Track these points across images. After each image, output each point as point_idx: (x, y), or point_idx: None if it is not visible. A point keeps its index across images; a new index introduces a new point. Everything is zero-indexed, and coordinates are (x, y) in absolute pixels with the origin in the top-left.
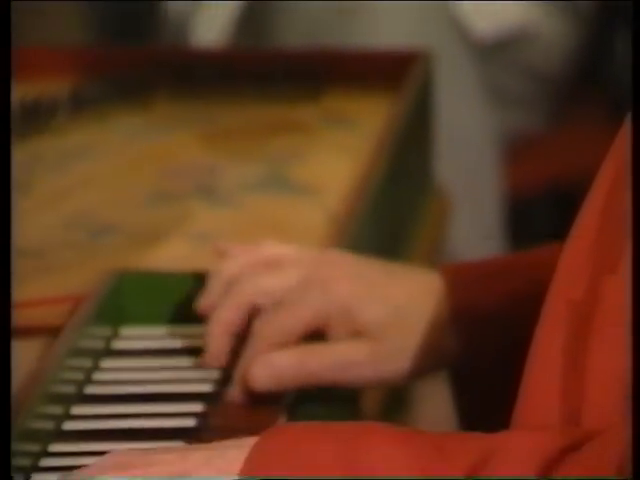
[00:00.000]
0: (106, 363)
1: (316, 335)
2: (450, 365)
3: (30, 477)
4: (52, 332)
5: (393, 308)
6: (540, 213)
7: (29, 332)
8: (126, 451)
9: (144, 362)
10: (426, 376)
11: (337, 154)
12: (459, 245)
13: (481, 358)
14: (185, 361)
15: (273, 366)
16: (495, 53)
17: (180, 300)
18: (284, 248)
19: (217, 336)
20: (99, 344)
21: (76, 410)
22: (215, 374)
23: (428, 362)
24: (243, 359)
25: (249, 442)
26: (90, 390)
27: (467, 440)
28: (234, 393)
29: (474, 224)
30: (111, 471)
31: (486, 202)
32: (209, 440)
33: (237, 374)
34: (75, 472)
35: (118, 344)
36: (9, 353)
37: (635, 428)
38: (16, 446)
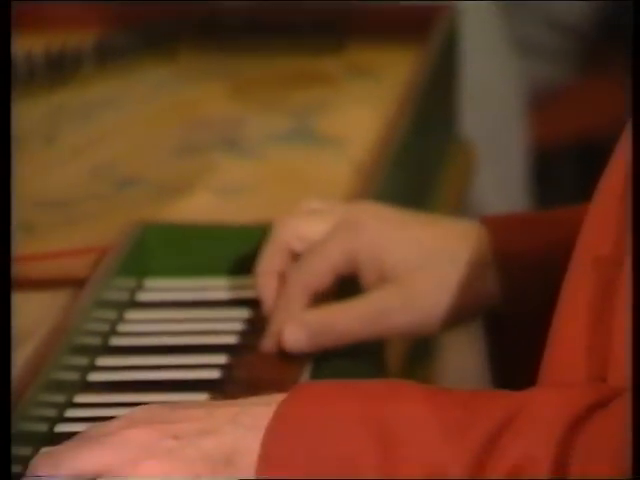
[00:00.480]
0: (131, 315)
1: (350, 289)
2: (486, 313)
3: (55, 427)
4: (77, 284)
5: (425, 250)
6: (565, 165)
7: (54, 283)
8: (153, 406)
9: (169, 314)
10: (461, 324)
11: (362, 106)
12: (483, 197)
13: (519, 306)
14: (209, 313)
15: (306, 327)
16: (520, 4)
17: (204, 252)
18: (324, 203)
19: (263, 285)
20: (124, 296)
21: (101, 361)
22: (239, 326)
23: (464, 309)
24: (278, 308)
25: (276, 399)
26: (115, 342)
27: (493, 398)
28: (267, 345)
29: (499, 176)
30: (139, 426)
31: (511, 154)
32: (233, 392)
33: (272, 325)
34: (101, 424)
35: (143, 296)
36: (9, 355)
37: (635, 428)
38: (42, 397)
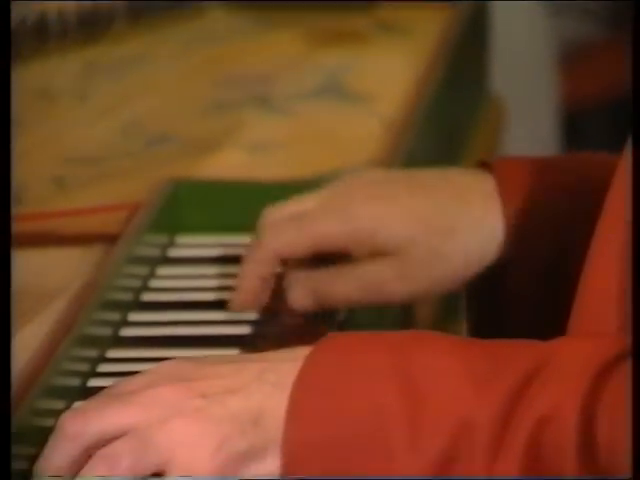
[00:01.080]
0: (162, 271)
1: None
2: (497, 270)
3: (88, 382)
4: (109, 240)
5: (416, 220)
6: (595, 122)
7: (86, 240)
8: (180, 361)
9: (199, 270)
10: (460, 286)
11: (392, 63)
12: (514, 153)
13: (524, 261)
14: (239, 269)
15: (309, 290)
16: None
17: (234, 208)
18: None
19: (244, 286)
20: (155, 252)
21: (133, 317)
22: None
23: (470, 268)
24: (245, 269)
25: (302, 353)
26: (146, 297)
27: (520, 348)
28: (233, 304)
29: (529, 132)
30: (165, 383)
31: (541, 110)
32: (264, 347)
33: (237, 285)
34: (127, 380)
35: (174, 252)
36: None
37: (635, 427)
38: (75, 352)
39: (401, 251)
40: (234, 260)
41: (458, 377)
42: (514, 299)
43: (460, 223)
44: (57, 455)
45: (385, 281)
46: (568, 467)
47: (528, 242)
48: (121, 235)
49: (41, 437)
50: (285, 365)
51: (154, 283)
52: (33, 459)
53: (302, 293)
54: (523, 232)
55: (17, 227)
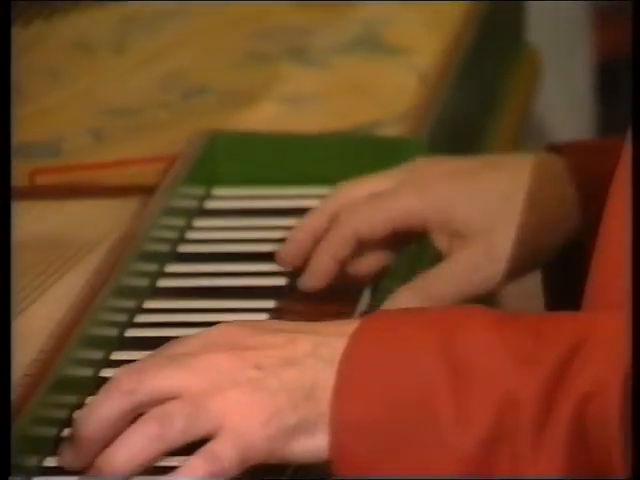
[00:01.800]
0: (199, 222)
1: None
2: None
3: (125, 332)
4: (146, 191)
5: (496, 197)
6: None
7: (123, 191)
8: (236, 326)
9: (236, 222)
10: (543, 263)
11: (428, 15)
12: (549, 105)
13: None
14: (276, 221)
15: (414, 297)
16: None
17: (270, 161)
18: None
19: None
20: (192, 204)
21: (170, 268)
22: None
23: (546, 248)
24: (322, 247)
25: (353, 328)
26: (183, 249)
27: (562, 322)
28: (307, 283)
29: (564, 85)
30: (220, 350)
31: (577, 62)
32: (299, 299)
33: (313, 264)
34: (181, 342)
35: (211, 204)
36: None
37: (635, 427)
38: (112, 302)
39: (484, 231)
40: (270, 212)
41: (502, 354)
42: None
43: (541, 198)
44: (107, 406)
45: (478, 266)
46: (612, 442)
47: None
48: (158, 187)
49: (79, 386)
50: (338, 340)
51: (191, 235)
52: (72, 408)
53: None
54: (595, 212)
55: (55, 179)
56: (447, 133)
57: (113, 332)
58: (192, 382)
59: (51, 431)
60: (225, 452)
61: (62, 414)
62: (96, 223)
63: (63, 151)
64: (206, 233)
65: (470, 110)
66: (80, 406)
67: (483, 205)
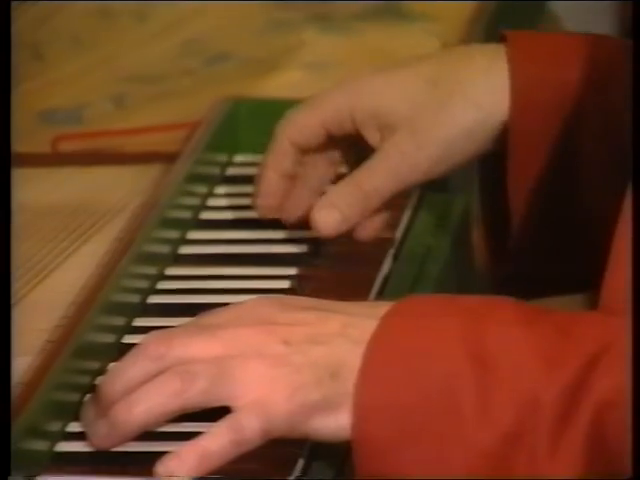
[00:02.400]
0: (221, 189)
1: None
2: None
3: (147, 299)
4: (168, 158)
5: (421, 82)
6: None
7: (145, 158)
8: (266, 301)
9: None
10: (474, 154)
11: None
12: None
13: (540, 132)
14: None
15: (334, 206)
16: None
17: None
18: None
19: (265, 178)
20: (214, 170)
21: (191, 235)
22: None
23: (481, 127)
24: (265, 164)
25: (384, 310)
26: (205, 215)
27: (590, 324)
28: (259, 206)
29: None
30: (249, 324)
31: (599, 31)
32: (322, 266)
33: (258, 186)
34: (211, 314)
35: (232, 170)
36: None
37: (635, 427)
38: (134, 269)
39: (410, 117)
40: None
41: (529, 351)
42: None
43: (466, 76)
44: (134, 368)
45: (407, 153)
46: (628, 452)
47: (535, 116)
48: (180, 154)
49: (101, 352)
50: (368, 322)
51: (212, 202)
52: (94, 374)
53: (331, 215)
54: (531, 103)
55: (77, 146)
56: None
57: (135, 299)
58: (219, 351)
59: (74, 397)
60: (249, 423)
61: (84, 380)
62: (118, 190)
63: (85, 118)
64: (228, 200)
65: None
66: (102, 372)
67: (407, 93)
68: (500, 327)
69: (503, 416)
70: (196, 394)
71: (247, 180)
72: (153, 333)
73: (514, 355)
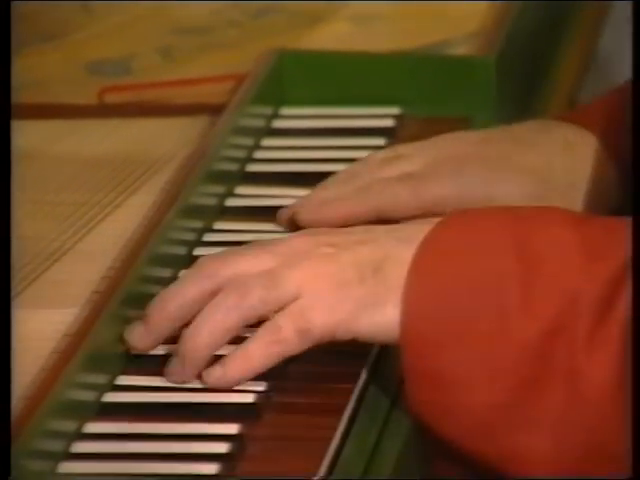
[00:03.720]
0: (267, 142)
1: None
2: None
3: (193, 251)
4: (215, 110)
5: (533, 179)
6: None
7: (192, 110)
8: (325, 229)
9: (304, 141)
10: None
11: None
12: (613, 49)
13: None
14: (344, 141)
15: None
16: None
17: (339, 80)
18: (407, 147)
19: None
20: (260, 123)
21: (238, 189)
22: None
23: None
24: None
25: (433, 220)
26: (251, 168)
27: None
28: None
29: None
30: (302, 236)
31: None
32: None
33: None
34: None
35: (278, 123)
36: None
37: (635, 428)
38: (181, 222)
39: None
40: (338, 132)
41: (574, 247)
42: None
43: (578, 178)
44: (189, 286)
45: None
46: None
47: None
48: (227, 106)
49: (147, 304)
50: (414, 226)
51: (259, 154)
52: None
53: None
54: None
55: (124, 97)
56: (515, 54)
57: (182, 251)
58: (270, 263)
59: (120, 348)
60: (285, 323)
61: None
62: (164, 142)
63: (132, 69)
64: (274, 152)
65: (539, 32)
66: None
67: (520, 190)
68: (548, 227)
69: (545, 310)
70: (253, 303)
71: (293, 132)
72: (206, 255)
73: (559, 251)
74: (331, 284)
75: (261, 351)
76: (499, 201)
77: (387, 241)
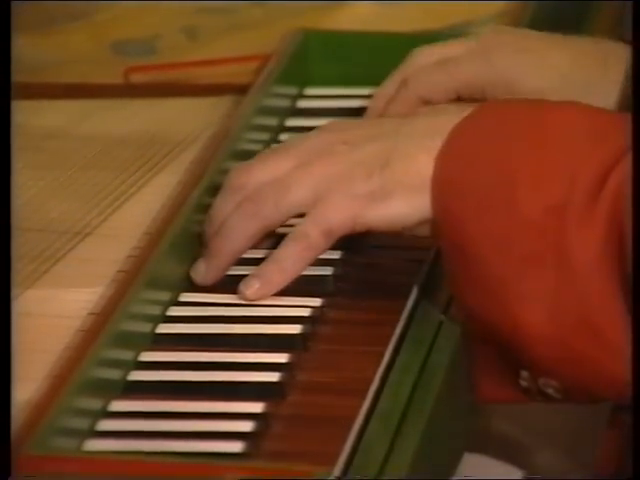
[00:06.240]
0: (291, 122)
1: None
2: None
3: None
4: (239, 90)
5: (557, 76)
6: None
7: (216, 90)
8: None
9: (328, 121)
10: None
11: None
12: None
13: None
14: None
15: None
16: None
17: (363, 60)
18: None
19: (373, 107)
20: (285, 103)
21: None
22: None
23: None
24: (389, 109)
25: (446, 110)
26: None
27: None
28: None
29: None
30: (319, 134)
31: None
32: None
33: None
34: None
35: (303, 103)
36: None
37: (636, 429)
38: (206, 201)
39: (553, 93)
40: (362, 112)
41: (581, 132)
42: None
43: (596, 81)
44: (224, 203)
45: None
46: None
47: None
48: (251, 86)
49: (173, 282)
50: (420, 120)
51: (283, 134)
52: (166, 304)
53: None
54: None
55: (149, 77)
56: None
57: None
58: (287, 165)
59: (146, 327)
60: (310, 229)
61: (155, 310)
62: (190, 121)
63: (157, 49)
64: (298, 133)
65: (565, 14)
66: (173, 303)
67: (546, 83)
68: (561, 112)
69: (549, 188)
70: (269, 208)
71: (317, 112)
72: (236, 166)
73: (568, 134)
74: (341, 183)
75: (294, 259)
76: (519, 88)
77: (394, 138)
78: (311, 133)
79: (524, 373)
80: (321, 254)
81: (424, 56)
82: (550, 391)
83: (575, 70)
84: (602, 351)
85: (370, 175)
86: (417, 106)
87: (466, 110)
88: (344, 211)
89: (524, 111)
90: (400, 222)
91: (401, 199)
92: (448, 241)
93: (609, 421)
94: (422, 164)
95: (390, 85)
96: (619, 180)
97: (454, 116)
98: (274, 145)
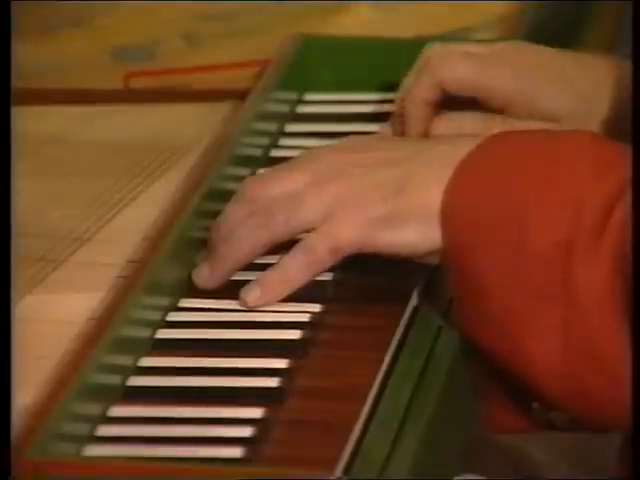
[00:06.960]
0: (291, 127)
1: None
2: None
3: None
4: (239, 96)
5: (580, 96)
6: None
7: (216, 95)
8: (354, 137)
9: (329, 127)
10: None
11: None
12: None
13: None
14: (370, 126)
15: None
16: None
17: (363, 66)
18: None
19: (415, 117)
20: (284, 108)
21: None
22: None
23: None
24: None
25: (461, 141)
26: (275, 153)
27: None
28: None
29: None
30: (334, 153)
31: None
32: None
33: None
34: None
35: (303, 109)
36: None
37: (635, 429)
38: (206, 206)
39: (559, 119)
40: (363, 117)
41: (586, 162)
42: None
43: (612, 106)
44: (235, 212)
45: None
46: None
47: None
48: (251, 92)
49: (173, 287)
50: (440, 147)
51: (283, 140)
52: (165, 309)
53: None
54: None
55: (149, 83)
56: (540, 40)
57: (206, 235)
58: (301, 180)
59: (145, 332)
60: (318, 244)
61: (155, 316)
62: (189, 127)
63: (157, 55)
64: (298, 138)
65: (564, 19)
66: (173, 308)
67: (564, 101)
68: (571, 145)
69: (557, 223)
70: (279, 225)
71: (317, 118)
72: (250, 178)
73: (574, 164)
74: (356, 203)
75: (297, 271)
76: (542, 105)
77: (410, 165)
78: (327, 148)
79: (535, 405)
80: (325, 270)
81: (443, 47)
82: (561, 422)
83: (598, 90)
84: (611, 384)
85: (385, 200)
86: (436, 96)
87: (480, 138)
88: (354, 231)
89: (537, 145)
90: (409, 250)
91: (413, 227)
92: (458, 273)
93: (619, 455)
94: (435, 194)
95: (423, 90)
96: (624, 212)
97: (472, 146)
98: (274, 150)
